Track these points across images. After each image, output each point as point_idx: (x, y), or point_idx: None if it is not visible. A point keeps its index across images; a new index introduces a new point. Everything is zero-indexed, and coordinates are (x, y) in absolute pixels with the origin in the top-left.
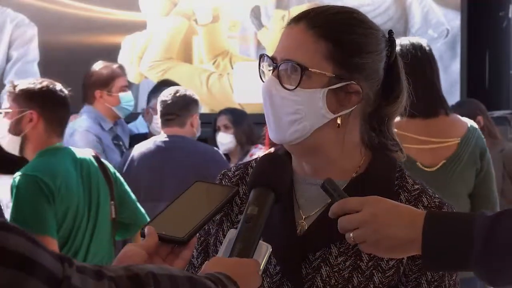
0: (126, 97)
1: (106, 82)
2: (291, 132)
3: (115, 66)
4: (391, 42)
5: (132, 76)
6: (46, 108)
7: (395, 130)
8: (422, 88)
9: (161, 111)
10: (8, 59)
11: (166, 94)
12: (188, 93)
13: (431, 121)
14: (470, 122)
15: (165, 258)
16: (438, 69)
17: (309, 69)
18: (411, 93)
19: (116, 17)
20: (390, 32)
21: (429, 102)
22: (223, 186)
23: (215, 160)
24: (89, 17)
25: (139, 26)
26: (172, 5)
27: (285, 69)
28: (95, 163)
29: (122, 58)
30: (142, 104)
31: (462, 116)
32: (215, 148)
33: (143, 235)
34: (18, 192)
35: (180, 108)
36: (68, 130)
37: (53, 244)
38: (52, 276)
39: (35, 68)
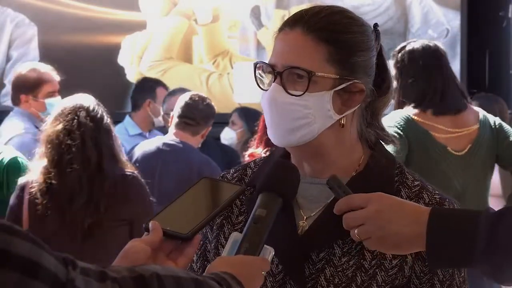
0: (54, 103)
1: (32, 87)
2: (300, 135)
3: (43, 69)
4: (377, 34)
5: (132, 76)
6: None
7: (425, 121)
8: (448, 87)
9: (183, 111)
10: (8, 59)
11: (195, 98)
12: (212, 103)
13: (457, 116)
14: (477, 109)
15: (169, 254)
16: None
17: (316, 73)
18: (438, 93)
19: (116, 17)
20: (376, 25)
21: (456, 101)
22: (230, 184)
23: (201, 172)
24: (89, 17)
25: (139, 26)
26: (172, 5)
27: (289, 75)
28: None
29: (122, 58)
30: None
31: None
32: (209, 160)
33: (147, 230)
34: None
35: (203, 117)
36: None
37: None
38: (56, 280)
39: None
